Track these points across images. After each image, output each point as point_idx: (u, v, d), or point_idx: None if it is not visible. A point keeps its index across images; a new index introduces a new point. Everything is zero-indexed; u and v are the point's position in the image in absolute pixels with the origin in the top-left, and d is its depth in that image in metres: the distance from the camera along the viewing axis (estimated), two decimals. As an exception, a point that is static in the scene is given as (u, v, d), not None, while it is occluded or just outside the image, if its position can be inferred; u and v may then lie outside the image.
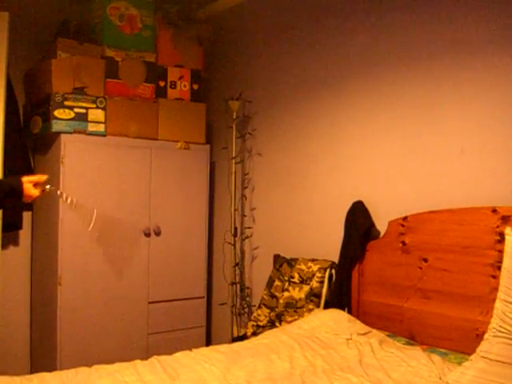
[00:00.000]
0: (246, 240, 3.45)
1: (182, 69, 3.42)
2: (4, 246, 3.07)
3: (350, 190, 2.75)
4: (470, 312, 2.10)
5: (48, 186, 2.10)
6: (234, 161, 3.38)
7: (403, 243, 2.41)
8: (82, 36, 3.11)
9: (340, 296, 2.59)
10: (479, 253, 2.10)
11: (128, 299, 3.15)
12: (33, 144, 3.25)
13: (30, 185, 2.05)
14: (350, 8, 2.82)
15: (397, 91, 2.57)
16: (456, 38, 2.31)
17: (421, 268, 2.32)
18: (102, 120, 3.04)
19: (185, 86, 3.43)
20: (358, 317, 2.49)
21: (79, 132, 2.96)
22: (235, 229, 3.39)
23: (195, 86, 3.47)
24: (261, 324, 2.81)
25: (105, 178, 3.06)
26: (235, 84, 3.55)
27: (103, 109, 3.04)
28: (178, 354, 2.06)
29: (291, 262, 2.89)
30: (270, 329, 2.62)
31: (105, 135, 3.06)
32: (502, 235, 1.97)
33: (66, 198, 2.20)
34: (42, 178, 2.09)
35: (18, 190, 2.02)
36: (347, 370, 1.88)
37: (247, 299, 3.41)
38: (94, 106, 3.00)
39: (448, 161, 2.34)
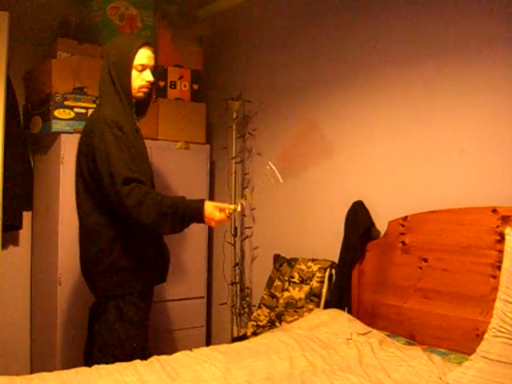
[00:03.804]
0: (246, 240, 3.45)
1: (181, 69, 3.42)
2: (4, 246, 3.07)
3: (350, 190, 2.75)
4: (470, 312, 2.10)
5: (239, 205, 2.09)
6: (234, 161, 3.38)
7: (403, 243, 2.41)
8: (82, 36, 3.10)
9: (340, 296, 2.59)
10: (479, 253, 2.10)
11: (128, 299, 3.14)
12: (33, 144, 3.25)
13: (213, 208, 2.05)
14: (350, 8, 2.82)
15: (397, 91, 2.57)
16: (456, 37, 2.31)
17: (421, 268, 2.32)
18: (102, 120, 3.03)
19: (185, 86, 3.43)
20: (357, 317, 2.49)
21: (79, 132, 2.94)
22: (235, 229, 3.39)
23: (195, 86, 3.47)
24: (261, 324, 2.81)
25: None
26: (235, 84, 3.55)
27: (103, 109, 3.03)
28: (178, 354, 2.05)
29: (291, 262, 2.89)
30: (270, 329, 2.62)
31: (105, 135, 3.05)
32: (502, 235, 1.97)
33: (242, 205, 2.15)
34: (230, 207, 2.08)
35: (199, 211, 2.04)
36: (347, 370, 1.88)
37: (247, 299, 3.41)
38: (94, 105, 2.98)
39: (448, 161, 2.34)
